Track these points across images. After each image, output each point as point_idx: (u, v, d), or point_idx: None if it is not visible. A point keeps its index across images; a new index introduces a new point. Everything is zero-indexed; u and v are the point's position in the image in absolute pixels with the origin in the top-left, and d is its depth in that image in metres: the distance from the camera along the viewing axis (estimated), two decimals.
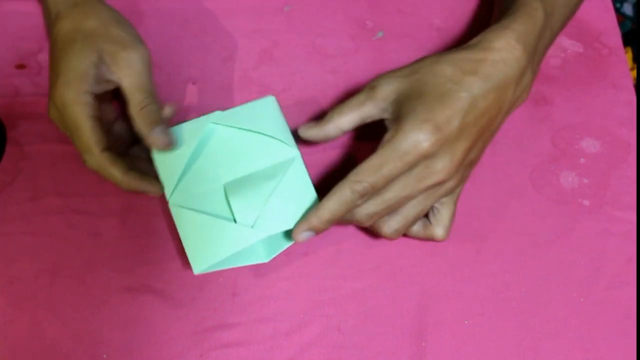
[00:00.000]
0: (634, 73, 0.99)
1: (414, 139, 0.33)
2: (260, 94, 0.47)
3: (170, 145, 0.37)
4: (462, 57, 0.35)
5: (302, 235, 0.35)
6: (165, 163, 0.37)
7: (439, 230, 0.38)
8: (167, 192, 0.37)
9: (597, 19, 0.51)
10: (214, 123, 0.38)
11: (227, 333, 0.40)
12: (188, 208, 0.36)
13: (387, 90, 0.35)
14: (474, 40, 0.36)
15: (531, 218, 0.43)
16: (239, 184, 0.37)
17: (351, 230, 0.43)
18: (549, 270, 0.42)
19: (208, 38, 0.48)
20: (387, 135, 0.34)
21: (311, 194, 0.37)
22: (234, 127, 0.38)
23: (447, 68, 0.34)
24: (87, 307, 0.40)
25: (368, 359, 0.39)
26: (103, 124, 0.37)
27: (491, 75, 0.34)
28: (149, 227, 0.42)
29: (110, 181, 0.37)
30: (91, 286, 0.40)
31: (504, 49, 0.35)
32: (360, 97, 0.36)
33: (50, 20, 0.40)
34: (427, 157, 0.33)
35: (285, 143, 0.38)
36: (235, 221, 0.36)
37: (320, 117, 0.38)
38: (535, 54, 0.37)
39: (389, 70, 0.37)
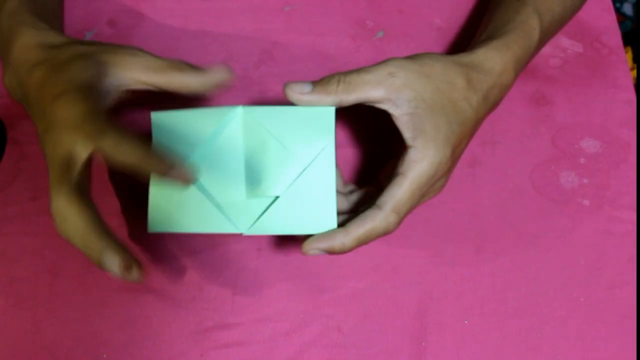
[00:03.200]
0: (634, 73, 0.99)
1: (438, 162, 0.33)
2: (260, 94, 0.47)
3: (231, 77, 0.34)
4: (472, 75, 0.35)
5: (315, 252, 0.33)
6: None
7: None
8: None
9: (597, 18, 0.51)
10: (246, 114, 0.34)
11: (227, 333, 0.40)
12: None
13: (407, 87, 0.33)
14: (478, 56, 0.36)
15: (531, 218, 0.43)
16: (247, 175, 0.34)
17: None
18: (549, 270, 0.42)
19: (208, 38, 0.48)
20: (414, 155, 0.33)
21: (331, 215, 0.34)
22: (266, 129, 0.34)
23: (460, 81, 0.34)
24: (87, 307, 0.40)
25: (368, 359, 0.39)
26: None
27: (490, 97, 0.36)
28: None
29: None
30: (91, 286, 0.40)
31: (503, 73, 0.36)
32: (372, 79, 0.33)
33: (19, 76, 0.34)
34: (439, 178, 0.35)
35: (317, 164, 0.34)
36: (221, 211, 0.34)
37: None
38: (519, 75, 0.39)
39: (402, 59, 0.34)
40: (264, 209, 0.34)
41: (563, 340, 0.40)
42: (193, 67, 0.34)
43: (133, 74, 0.34)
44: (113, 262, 0.31)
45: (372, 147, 0.45)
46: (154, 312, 0.40)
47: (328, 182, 0.34)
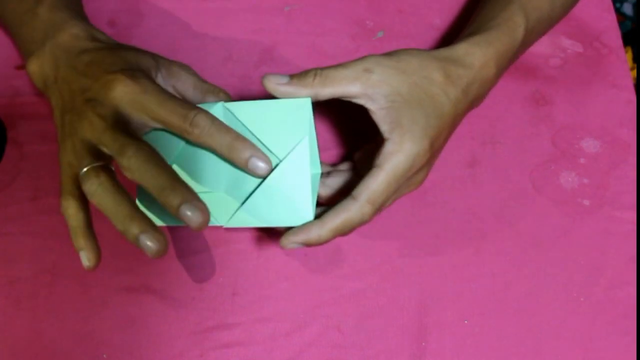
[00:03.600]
0: (634, 73, 0.99)
1: (415, 154, 0.33)
2: (260, 94, 0.47)
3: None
4: (451, 69, 0.35)
5: (293, 246, 0.33)
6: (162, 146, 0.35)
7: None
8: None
9: (597, 18, 0.51)
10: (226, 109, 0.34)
11: (227, 333, 0.40)
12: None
13: (383, 82, 0.33)
14: (457, 51, 0.36)
15: (531, 218, 0.43)
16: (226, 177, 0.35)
17: None
18: (549, 270, 0.42)
19: (208, 38, 0.48)
20: (390, 147, 0.33)
21: (307, 208, 0.34)
22: (244, 125, 0.34)
23: (438, 75, 0.35)
24: (87, 307, 0.40)
25: (368, 358, 0.39)
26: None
27: (470, 92, 0.36)
28: None
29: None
30: (91, 286, 0.40)
31: (483, 68, 0.36)
32: (349, 75, 0.33)
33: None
34: (417, 171, 0.34)
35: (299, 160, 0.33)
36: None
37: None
38: (503, 72, 0.39)
39: (378, 56, 0.34)
40: (241, 202, 0.34)
41: (563, 340, 0.40)
42: (227, 95, 0.38)
43: (179, 84, 0.37)
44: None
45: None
46: (154, 312, 0.40)
47: (303, 174, 0.33)
